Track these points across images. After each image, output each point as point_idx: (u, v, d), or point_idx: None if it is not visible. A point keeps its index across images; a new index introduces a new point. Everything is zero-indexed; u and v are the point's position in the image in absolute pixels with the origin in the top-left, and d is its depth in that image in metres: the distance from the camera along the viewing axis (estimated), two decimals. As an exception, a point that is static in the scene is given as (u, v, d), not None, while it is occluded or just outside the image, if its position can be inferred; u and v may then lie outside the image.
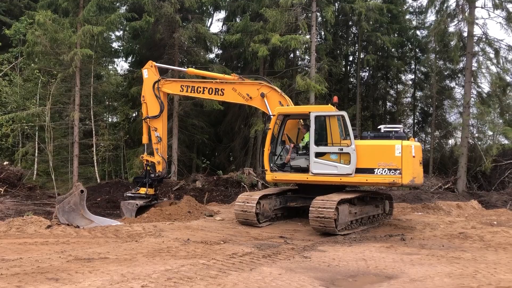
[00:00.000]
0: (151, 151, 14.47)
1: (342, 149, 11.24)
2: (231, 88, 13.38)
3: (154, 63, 14.81)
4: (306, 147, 11.97)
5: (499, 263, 7.43)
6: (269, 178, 12.43)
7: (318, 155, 11.49)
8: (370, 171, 10.96)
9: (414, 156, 10.93)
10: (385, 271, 6.86)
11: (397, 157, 10.74)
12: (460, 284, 6.08)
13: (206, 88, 13.67)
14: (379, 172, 10.88)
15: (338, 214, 10.33)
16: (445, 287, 5.93)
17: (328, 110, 11.86)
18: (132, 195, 14.14)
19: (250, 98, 13.07)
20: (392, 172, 10.75)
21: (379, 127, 12.21)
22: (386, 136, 11.47)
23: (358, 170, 11.03)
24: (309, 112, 11.74)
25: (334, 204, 10.20)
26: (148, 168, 14.25)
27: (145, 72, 14.60)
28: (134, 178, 15.57)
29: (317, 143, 11.53)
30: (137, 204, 13.42)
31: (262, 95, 12.85)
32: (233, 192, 18.87)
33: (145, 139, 14.59)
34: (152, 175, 14.13)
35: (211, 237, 9.92)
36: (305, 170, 11.73)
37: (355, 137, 11.35)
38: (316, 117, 11.59)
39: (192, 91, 13.95)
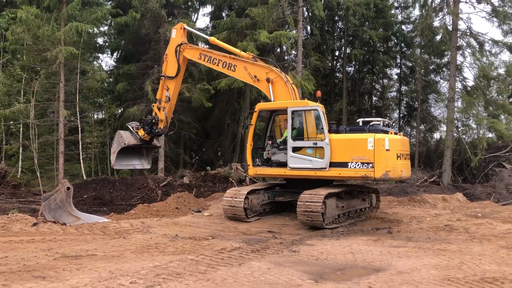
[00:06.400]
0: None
1: (316, 143, 11.31)
2: (243, 66, 13.23)
3: (185, 25, 14.98)
4: (286, 142, 12.01)
5: (484, 255, 7.55)
6: (251, 172, 12.63)
7: (295, 149, 11.57)
8: (344, 165, 10.95)
9: (388, 150, 10.73)
10: (372, 264, 6.93)
11: (369, 150, 10.66)
12: (446, 275, 6.17)
13: (221, 61, 13.63)
14: (353, 165, 10.85)
15: (325, 208, 10.40)
16: (431, 279, 6.00)
17: (304, 104, 11.90)
18: (131, 129, 14.77)
19: (258, 80, 12.87)
20: (365, 166, 10.70)
21: (358, 120, 12.18)
22: (362, 129, 11.35)
23: (332, 164, 11.05)
24: (287, 107, 11.81)
25: (321, 198, 10.27)
26: (154, 120, 14.91)
27: (173, 32, 14.81)
28: (141, 119, 15.81)
29: (294, 137, 11.65)
30: (125, 143, 14.09)
31: (268, 80, 12.62)
32: (220, 187, 18.82)
33: (159, 95, 15.13)
34: (154, 127, 14.71)
35: (200, 232, 9.91)
36: (285, 164, 11.81)
37: (335, 132, 11.37)
38: (293, 112, 11.69)
39: (209, 61, 13.97)
